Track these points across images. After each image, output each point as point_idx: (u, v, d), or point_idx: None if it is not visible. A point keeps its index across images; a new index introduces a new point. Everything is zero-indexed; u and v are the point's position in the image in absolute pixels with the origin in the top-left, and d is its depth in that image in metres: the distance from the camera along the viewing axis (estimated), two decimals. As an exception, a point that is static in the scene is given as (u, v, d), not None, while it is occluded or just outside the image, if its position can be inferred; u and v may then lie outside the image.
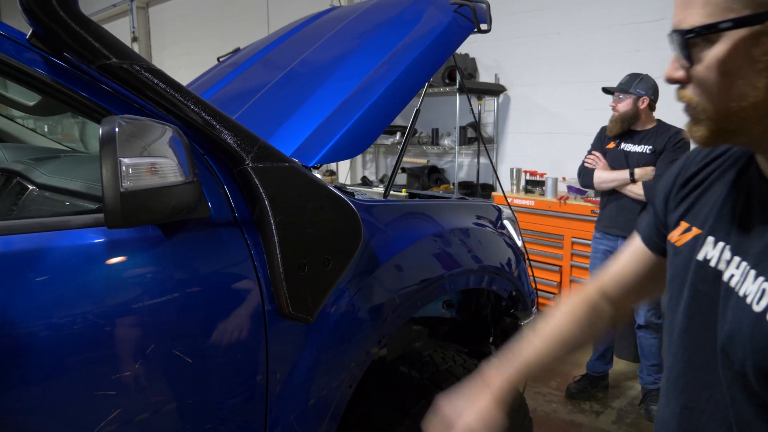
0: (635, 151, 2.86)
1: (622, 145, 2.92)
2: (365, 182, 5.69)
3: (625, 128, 2.87)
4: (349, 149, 1.48)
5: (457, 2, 1.78)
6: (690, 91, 0.66)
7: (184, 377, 1.01)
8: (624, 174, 2.83)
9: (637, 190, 2.79)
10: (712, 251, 0.74)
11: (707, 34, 0.60)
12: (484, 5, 1.82)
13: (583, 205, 3.79)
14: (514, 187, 4.43)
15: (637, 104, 2.83)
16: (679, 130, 2.80)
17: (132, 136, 0.81)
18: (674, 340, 0.81)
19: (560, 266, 3.97)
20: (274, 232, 1.09)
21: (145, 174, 0.81)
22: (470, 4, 1.77)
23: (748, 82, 0.60)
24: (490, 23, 1.79)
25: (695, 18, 0.61)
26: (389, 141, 5.35)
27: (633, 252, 0.96)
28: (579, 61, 4.40)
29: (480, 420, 0.87)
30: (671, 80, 0.68)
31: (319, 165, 1.44)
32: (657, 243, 0.90)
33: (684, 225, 0.82)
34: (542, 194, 4.17)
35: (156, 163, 0.83)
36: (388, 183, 1.67)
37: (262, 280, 1.11)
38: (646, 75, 2.87)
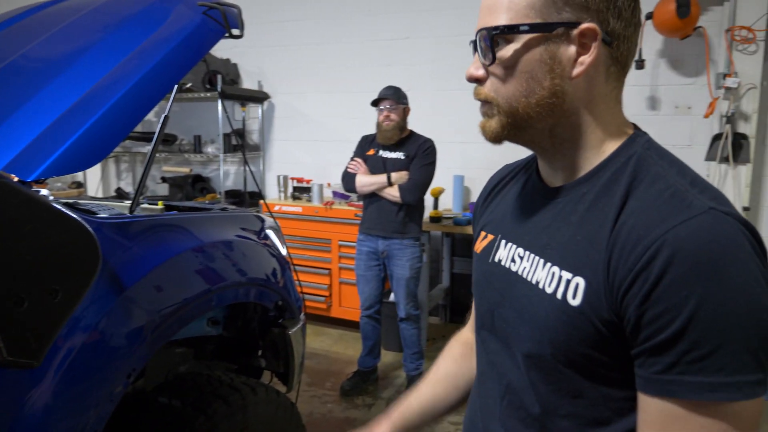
0: (392, 157, 3.09)
1: (381, 152, 3.13)
2: (120, 194, 5.16)
3: (400, 136, 3.07)
4: (82, 160, 1.29)
5: (206, 5, 1.70)
6: (487, 89, 0.73)
7: None
8: (382, 178, 3.03)
9: (393, 193, 3.01)
10: (504, 252, 0.82)
11: (509, 33, 0.68)
12: (235, 9, 1.76)
13: (348, 209, 3.97)
14: (282, 194, 4.44)
15: (405, 113, 3.06)
16: (427, 139, 3.10)
17: None
18: (478, 338, 0.87)
19: (329, 269, 4.09)
20: (-23, 262, 0.89)
21: None
22: (220, 8, 1.70)
23: (537, 81, 0.69)
24: (242, 29, 1.74)
25: (499, 21, 0.69)
26: (146, 149, 4.93)
27: None
28: (340, 72, 4.60)
29: None
30: (472, 78, 0.74)
31: (44, 179, 1.23)
32: None
33: (483, 234, 0.89)
34: (309, 200, 4.26)
35: None
36: (135, 196, 1.51)
37: (-38, 323, 0.89)
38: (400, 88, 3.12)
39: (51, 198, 1.44)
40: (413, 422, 0.97)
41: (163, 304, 1.39)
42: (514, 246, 0.80)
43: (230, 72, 4.83)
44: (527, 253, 0.76)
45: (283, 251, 2.00)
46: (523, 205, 0.82)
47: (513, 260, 0.79)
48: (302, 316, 1.98)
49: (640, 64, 3.56)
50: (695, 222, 0.59)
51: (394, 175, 3.03)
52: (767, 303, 0.58)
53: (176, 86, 1.67)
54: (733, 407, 0.57)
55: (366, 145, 3.22)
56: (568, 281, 0.68)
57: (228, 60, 4.85)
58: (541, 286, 0.72)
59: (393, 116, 3.02)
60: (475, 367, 0.95)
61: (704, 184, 0.65)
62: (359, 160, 3.15)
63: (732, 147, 3.44)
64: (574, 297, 0.67)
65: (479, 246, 0.89)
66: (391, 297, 3.46)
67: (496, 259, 0.83)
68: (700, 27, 3.52)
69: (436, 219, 3.82)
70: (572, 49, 0.67)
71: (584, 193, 0.71)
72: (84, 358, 1.17)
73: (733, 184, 3.51)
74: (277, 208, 4.19)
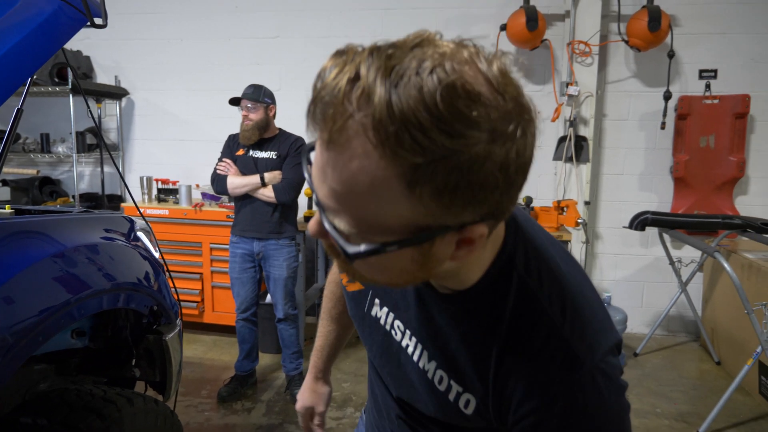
0: (263, 157, 3.05)
1: (251, 152, 3.07)
2: (-51, 199, 4.53)
3: (260, 135, 3.01)
4: None
5: (64, -10, 1.57)
6: (356, 271, 0.61)
7: None
8: (255, 179, 2.98)
9: (268, 193, 2.97)
10: (381, 312, 0.81)
11: (376, 253, 0.54)
12: (97, -3, 1.65)
13: (219, 211, 3.84)
14: (146, 197, 4.19)
15: (267, 113, 3.01)
16: (298, 137, 3.09)
17: None
18: (371, 365, 0.93)
19: (201, 273, 3.93)
20: None
21: None
22: (80, -6, 1.58)
23: (409, 272, 0.58)
24: (105, 18, 1.63)
25: (343, 224, 0.53)
26: (-19, 147, 4.38)
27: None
28: (205, 70, 4.44)
29: (309, 397, 1.15)
30: (320, 239, 0.60)
31: None
32: None
33: None
34: (177, 202, 4.06)
35: None
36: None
37: None
38: (265, 86, 3.06)
39: None
40: (329, 364, 1.18)
41: (17, 319, 1.26)
42: (392, 314, 0.79)
43: (82, 65, 4.46)
44: (409, 333, 0.76)
45: (156, 254, 1.91)
46: None
47: (393, 329, 0.79)
48: (179, 321, 1.90)
49: (497, 71, 3.85)
50: (575, 393, 0.62)
51: (267, 176, 2.99)
52: None
53: (30, 79, 1.53)
54: None
55: (234, 145, 3.14)
56: (459, 393, 0.71)
57: (79, 52, 4.47)
58: (430, 377, 0.74)
59: (252, 116, 2.96)
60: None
61: (582, 321, 0.65)
62: (229, 161, 3.07)
63: (575, 148, 3.86)
64: (466, 407, 0.71)
65: (349, 286, 0.86)
66: (268, 298, 3.41)
67: (375, 315, 0.82)
68: (546, 40, 3.90)
69: (310, 218, 3.83)
70: (452, 245, 0.56)
71: (467, 310, 0.68)
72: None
73: (576, 181, 3.94)
74: (140, 211, 3.94)
